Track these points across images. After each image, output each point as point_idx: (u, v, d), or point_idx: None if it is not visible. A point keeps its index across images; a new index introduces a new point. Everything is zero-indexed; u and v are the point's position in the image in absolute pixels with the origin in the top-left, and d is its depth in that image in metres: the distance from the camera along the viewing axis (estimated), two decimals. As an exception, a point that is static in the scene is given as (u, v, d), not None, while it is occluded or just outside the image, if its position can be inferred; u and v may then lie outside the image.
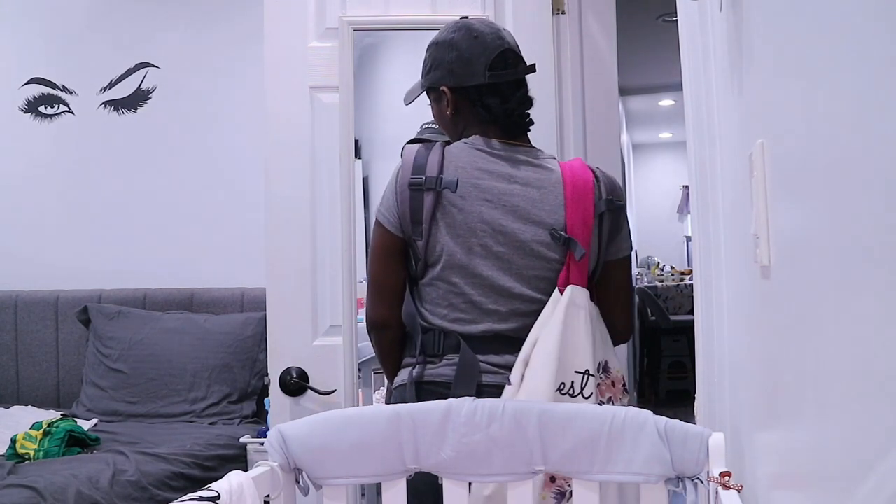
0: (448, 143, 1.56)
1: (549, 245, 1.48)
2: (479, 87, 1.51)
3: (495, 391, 1.41)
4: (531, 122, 1.59)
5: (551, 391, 1.40)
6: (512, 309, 1.48)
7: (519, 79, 1.55)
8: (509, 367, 1.44)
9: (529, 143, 1.59)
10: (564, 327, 1.43)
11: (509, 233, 1.47)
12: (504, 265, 1.48)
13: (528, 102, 1.57)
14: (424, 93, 1.61)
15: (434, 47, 1.56)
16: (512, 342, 1.47)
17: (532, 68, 1.56)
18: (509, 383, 1.43)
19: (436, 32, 1.61)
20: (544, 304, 1.47)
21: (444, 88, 1.54)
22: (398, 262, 1.54)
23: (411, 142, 1.95)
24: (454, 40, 1.53)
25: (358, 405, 2.02)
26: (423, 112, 1.71)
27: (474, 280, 1.48)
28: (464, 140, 1.54)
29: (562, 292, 1.47)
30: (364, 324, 1.64)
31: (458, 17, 1.61)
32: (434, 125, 1.78)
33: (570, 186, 1.51)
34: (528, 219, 1.48)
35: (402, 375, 1.54)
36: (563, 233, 1.47)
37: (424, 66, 1.58)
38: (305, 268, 2.04)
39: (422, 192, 1.47)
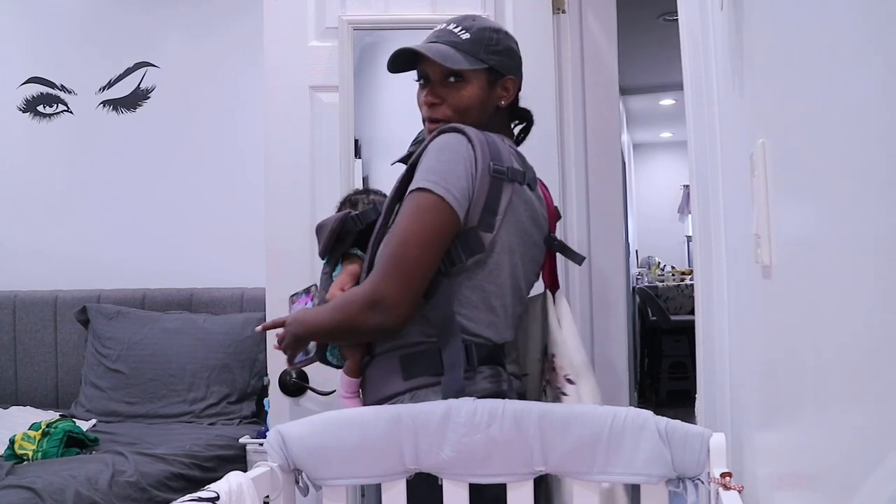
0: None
1: (542, 248, 1.49)
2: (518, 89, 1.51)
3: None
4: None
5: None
6: (516, 313, 1.44)
7: None
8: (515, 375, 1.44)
9: None
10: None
11: (531, 234, 1.44)
12: (525, 268, 1.44)
13: None
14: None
15: (502, 34, 1.47)
16: (510, 347, 1.45)
17: None
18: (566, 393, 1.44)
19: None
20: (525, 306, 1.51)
21: (511, 78, 1.46)
22: (444, 250, 1.34)
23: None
24: (515, 41, 1.51)
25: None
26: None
27: (513, 282, 1.40)
28: (498, 135, 1.44)
29: (553, 292, 1.55)
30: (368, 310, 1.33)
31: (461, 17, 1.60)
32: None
33: (545, 192, 1.55)
34: (538, 222, 1.46)
35: (429, 395, 1.32)
36: (558, 239, 1.53)
37: (486, 43, 1.43)
38: (305, 268, 2.03)
39: (502, 182, 1.35)
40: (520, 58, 1.50)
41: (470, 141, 1.34)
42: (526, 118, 1.56)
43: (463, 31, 1.43)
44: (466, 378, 1.32)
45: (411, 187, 1.33)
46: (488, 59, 1.42)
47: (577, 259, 1.56)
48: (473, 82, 1.42)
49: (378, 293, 1.31)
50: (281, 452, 1.18)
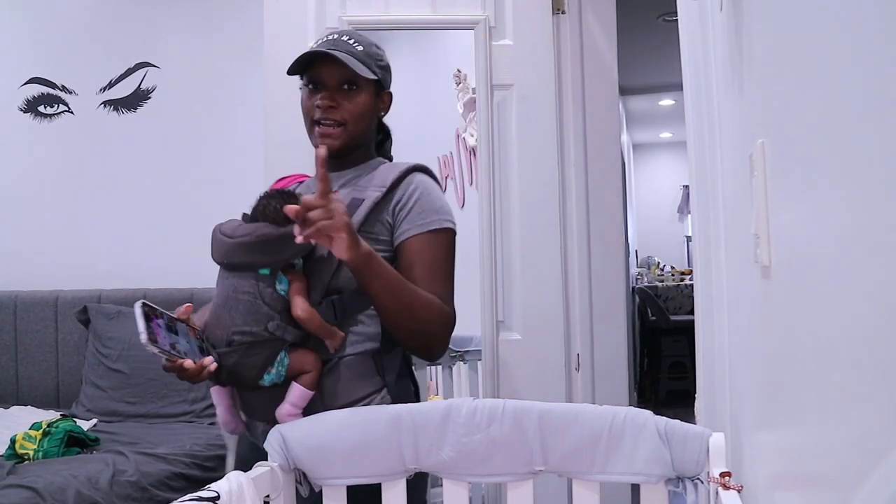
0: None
1: None
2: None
3: None
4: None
5: None
6: None
7: None
8: None
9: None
10: None
11: None
12: None
13: None
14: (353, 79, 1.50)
15: (383, 52, 1.54)
16: None
17: None
18: None
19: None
20: None
21: (389, 93, 1.56)
22: None
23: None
24: None
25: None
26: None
27: None
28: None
29: None
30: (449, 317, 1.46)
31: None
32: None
33: None
34: None
35: (399, 390, 1.47)
36: None
37: (375, 57, 1.50)
38: (305, 268, 2.04)
39: None
40: (390, 73, 1.57)
41: (435, 187, 1.50)
42: (385, 132, 1.64)
43: (357, 44, 1.48)
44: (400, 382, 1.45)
45: (437, 226, 1.44)
46: (377, 72, 1.49)
47: None
48: (365, 91, 1.49)
49: (452, 316, 1.43)
50: (281, 452, 1.18)
